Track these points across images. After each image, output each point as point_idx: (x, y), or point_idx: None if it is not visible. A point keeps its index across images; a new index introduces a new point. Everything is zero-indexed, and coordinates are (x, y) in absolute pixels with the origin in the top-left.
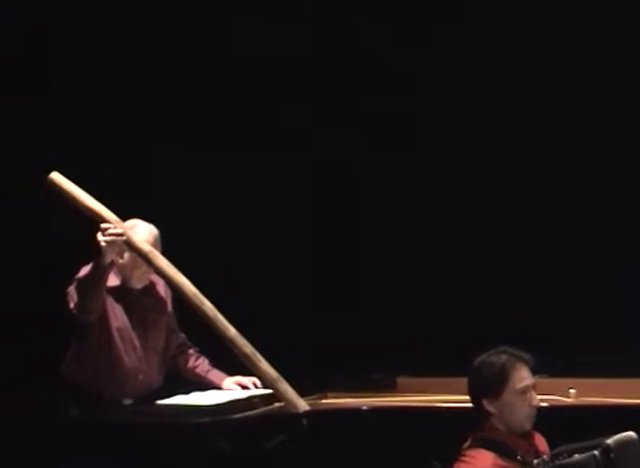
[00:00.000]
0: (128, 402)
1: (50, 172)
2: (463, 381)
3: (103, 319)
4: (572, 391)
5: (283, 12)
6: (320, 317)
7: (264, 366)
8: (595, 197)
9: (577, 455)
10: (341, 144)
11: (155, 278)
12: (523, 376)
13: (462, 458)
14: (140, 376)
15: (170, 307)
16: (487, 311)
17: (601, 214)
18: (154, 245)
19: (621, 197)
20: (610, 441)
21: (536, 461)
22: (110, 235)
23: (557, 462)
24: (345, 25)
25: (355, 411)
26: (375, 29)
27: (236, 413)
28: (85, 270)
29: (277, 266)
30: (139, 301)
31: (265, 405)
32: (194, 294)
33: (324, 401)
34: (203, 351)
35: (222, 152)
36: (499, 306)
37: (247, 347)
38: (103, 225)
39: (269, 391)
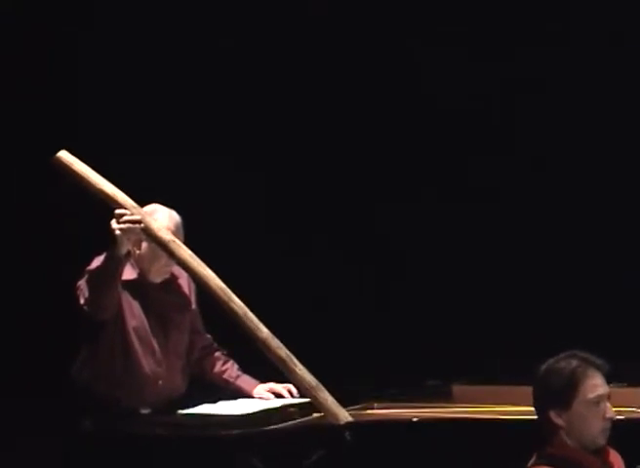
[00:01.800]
0: (146, 411)
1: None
2: (527, 390)
3: (118, 317)
4: None
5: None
6: (369, 317)
7: (301, 371)
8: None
9: None
10: (353, 151)
11: (177, 271)
12: (596, 384)
13: None
14: (160, 382)
15: (194, 304)
16: (552, 312)
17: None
18: (176, 233)
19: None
20: None
21: None
22: (126, 222)
23: None
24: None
25: (405, 423)
26: None
27: (269, 425)
28: (98, 262)
29: (322, 265)
30: (158, 297)
31: (302, 415)
32: (221, 289)
33: (369, 411)
34: (232, 354)
35: (244, 149)
36: (566, 308)
37: (281, 350)
38: (118, 211)
39: (307, 400)
